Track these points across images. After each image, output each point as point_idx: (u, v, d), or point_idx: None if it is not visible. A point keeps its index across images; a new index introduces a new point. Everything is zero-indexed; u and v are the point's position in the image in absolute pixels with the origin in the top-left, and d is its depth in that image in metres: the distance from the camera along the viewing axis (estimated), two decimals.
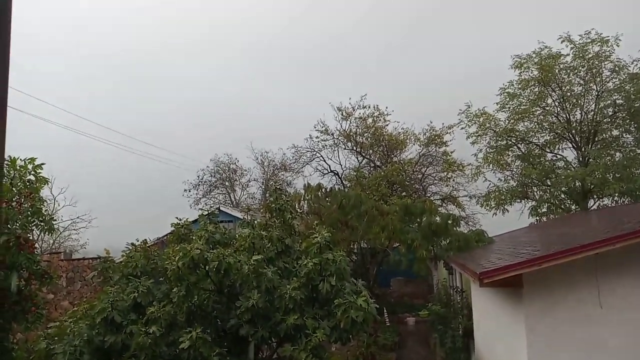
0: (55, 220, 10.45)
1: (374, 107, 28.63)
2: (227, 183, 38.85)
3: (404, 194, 26.86)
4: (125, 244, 9.32)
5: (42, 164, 8.62)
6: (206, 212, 10.21)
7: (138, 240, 9.54)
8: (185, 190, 37.03)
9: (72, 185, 29.08)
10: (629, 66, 22.64)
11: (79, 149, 43.23)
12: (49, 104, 20.05)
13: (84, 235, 30.34)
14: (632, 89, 21.71)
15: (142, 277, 8.44)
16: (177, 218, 9.74)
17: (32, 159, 8.54)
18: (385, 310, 19.85)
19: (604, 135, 23.72)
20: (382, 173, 26.91)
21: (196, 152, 57.01)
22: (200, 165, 40.17)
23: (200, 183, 37.46)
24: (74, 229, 29.84)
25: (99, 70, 61.12)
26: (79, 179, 41.13)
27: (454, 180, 28.62)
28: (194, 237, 8.65)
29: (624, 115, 22.77)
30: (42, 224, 8.45)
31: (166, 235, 12.48)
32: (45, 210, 8.67)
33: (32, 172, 8.51)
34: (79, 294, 16.77)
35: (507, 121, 24.74)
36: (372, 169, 29.79)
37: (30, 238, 8.62)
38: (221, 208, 24.15)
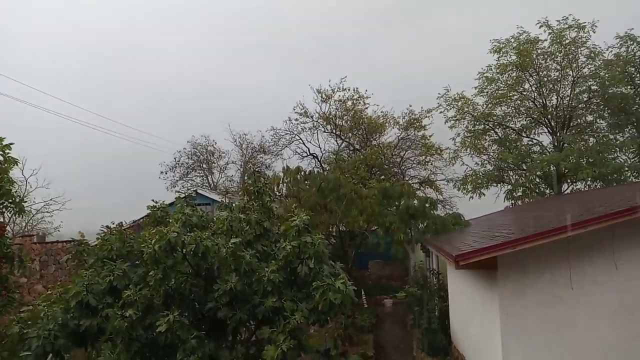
0: (27, 202, 10.19)
1: (354, 90, 28.52)
2: (204, 165, 38.41)
3: (382, 177, 26.99)
4: (100, 227, 9.15)
5: (11, 143, 8.36)
6: (183, 195, 10.09)
7: (113, 223, 9.39)
8: (161, 172, 36.53)
9: (44, 167, 28.38)
10: (604, 52, 23.03)
11: (51, 130, 42.19)
12: (20, 82, 19.35)
13: (58, 218, 29.72)
14: (606, 75, 22.08)
15: (118, 260, 8.33)
16: (153, 201, 9.60)
17: (0, 139, 8.26)
18: (363, 293, 20.08)
19: (578, 120, 24.15)
20: (361, 156, 26.94)
21: (173, 133, 56.22)
22: (177, 147, 39.59)
23: (177, 165, 36.97)
24: (47, 212, 29.20)
25: (70, 49, 59.30)
26: (52, 161, 40.17)
27: (432, 164, 28.85)
28: (170, 220, 8.53)
29: (598, 101, 23.19)
30: (11, 205, 8.23)
31: (142, 218, 12.30)
32: (16, 192, 8.43)
33: (0, 153, 8.24)
34: (53, 278, 16.49)
35: (485, 105, 24.98)
36: (351, 152, 29.78)
37: (0, 220, 8.40)
38: (198, 191, 23.94)
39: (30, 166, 27.58)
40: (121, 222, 9.84)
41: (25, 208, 8.68)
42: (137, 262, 8.48)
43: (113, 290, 7.84)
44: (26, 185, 28.02)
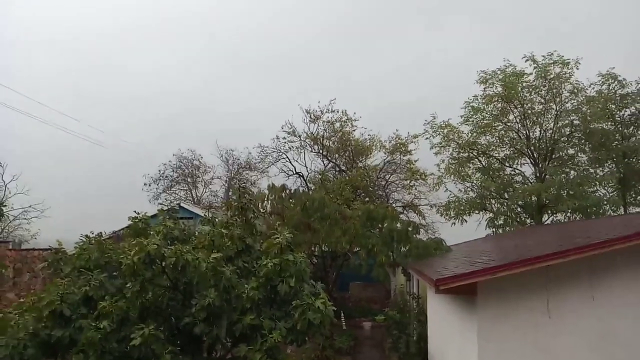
0: (5, 206, 10.01)
1: (342, 112, 28.84)
2: (189, 179, 38.19)
3: (367, 199, 27.12)
4: (79, 236, 9.00)
5: None
6: (166, 208, 10.02)
7: (93, 233, 9.24)
8: (145, 184, 36.21)
9: (25, 173, 27.89)
10: (587, 89, 23.69)
11: (34, 138, 41.65)
12: (4, 85, 19.15)
13: (36, 225, 29.13)
14: (588, 111, 22.67)
15: (95, 270, 8.17)
16: (135, 212, 9.49)
17: None
18: (342, 314, 19.94)
19: (560, 153, 24.65)
20: (347, 178, 27.09)
21: (159, 146, 55.83)
22: (162, 159, 39.31)
23: (161, 177, 36.70)
24: (25, 219, 28.61)
25: (59, 59, 58.98)
26: (33, 168, 39.51)
27: (416, 189, 29.12)
28: (151, 232, 8.44)
29: (580, 135, 23.75)
30: None
31: (123, 229, 12.12)
32: None
33: None
34: (27, 286, 16.07)
35: (470, 134, 25.38)
36: (337, 173, 29.93)
37: None
38: (182, 204, 23.72)
39: (11, 172, 27.17)
40: (101, 232, 9.69)
41: (4, 213, 8.49)
42: (114, 273, 8.34)
43: (88, 300, 7.68)
44: (5, 191, 27.52)
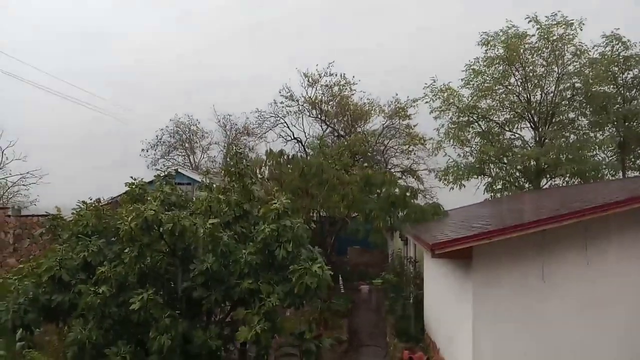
0: (1, 169, 9.96)
1: (341, 76, 28.38)
2: (186, 145, 37.99)
3: (365, 164, 27.05)
4: (76, 202, 9.00)
5: None
6: (163, 173, 9.97)
7: (91, 199, 9.23)
8: (142, 150, 35.99)
9: (22, 139, 27.76)
10: (590, 51, 23.24)
11: (32, 103, 41.19)
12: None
13: (34, 191, 29.17)
14: (590, 73, 22.31)
15: (93, 236, 8.22)
16: (131, 178, 9.44)
17: None
18: (340, 278, 20.23)
19: (561, 117, 24.43)
20: (345, 143, 26.92)
21: (156, 111, 55.33)
22: (160, 125, 39.02)
23: (158, 143, 36.42)
24: (24, 185, 28.64)
25: (53, 23, 57.61)
26: (31, 134, 39.27)
27: (415, 154, 29.00)
28: (148, 198, 8.43)
29: (581, 98, 23.46)
30: None
31: (120, 195, 12.12)
32: None
33: None
34: (27, 252, 16.21)
35: (470, 98, 25.08)
36: (335, 138, 29.73)
37: None
38: (179, 170, 23.66)
39: (8, 137, 27.00)
40: (99, 199, 9.69)
41: (1, 180, 8.45)
42: (112, 239, 8.38)
43: (87, 266, 7.76)
44: (2, 157, 27.45)
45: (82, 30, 58.18)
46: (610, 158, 23.97)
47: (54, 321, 8.03)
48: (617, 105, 23.19)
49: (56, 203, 10.27)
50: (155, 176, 9.98)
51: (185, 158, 38.20)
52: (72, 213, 8.75)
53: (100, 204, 9.38)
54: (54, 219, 8.92)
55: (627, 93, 23.56)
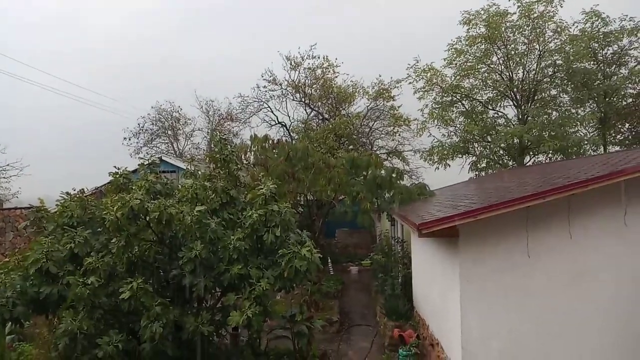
0: None
1: (324, 58, 28.18)
2: (169, 132, 37.58)
3: (351, 147, 27.07)
4: (60, 193, 8.88)
5: None
6: (147, 162, 9.88)
7: (74, 190, 9.12)
8: (125, 138, 35.52)
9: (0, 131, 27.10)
10: (570, 27, 23.40)
11: (9, 94, 40.19)
12: None
13: (16, 184, 28.64)
14: (571, 50, 22.50)
15: (79, 227, 8.15)
16: (115, 167, 9.35)
17: None
18: (329, 260, 20.40)
19: (543, 94, 24.68)
20: (330, 126, 26.86)
21: (137, 99, 54.46)
22: (141, 112, 38.49)
23: (140, 131, 35.99)
24: (4, 177, 28.11)
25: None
26: (9, 125, 38.46)
27: (399, 135, 29.04)
28: (133, 187, 8.36)
29: (563, 75, 23.69)
30: None
31: (104, 185, 11.99)
32: None
33: None
34: (11, 245, 16.02)
35: (453, 77, 25.15)
36: (320, 121, 29.63)
37: None
38: (163, 158, 23.46)
39: None
40: (82, 189, 9.57)
41: None
42: (99, 229, 8.32)
43: (74, 257, 7.70)
44: None
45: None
46: (591, 134, 24.35)
47: (43, 313, 7.99)
48: (598, 81, 23.48)
49: (39, 195, 10.14)
50: (139, 165, 9.88)
51: (168, 145, 37.88)
52: (57, 204, 8.65)
53: (85, 195, 9.27)
54: (38, 210, 8.81)
55: (607, 69, 23.86)
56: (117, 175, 9.22)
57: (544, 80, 24.19)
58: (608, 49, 23.58)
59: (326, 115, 29.59)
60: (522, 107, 24.26)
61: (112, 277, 7.61)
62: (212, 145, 12.10)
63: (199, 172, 9.92)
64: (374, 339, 12.20)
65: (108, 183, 9.90)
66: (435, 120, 25.36)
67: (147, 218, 7.34)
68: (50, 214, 8.70)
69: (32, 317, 8.26)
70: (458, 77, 25.02)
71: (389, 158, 28.68)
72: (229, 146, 10.06)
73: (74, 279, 7.18)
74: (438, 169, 25.18)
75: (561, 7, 22.82)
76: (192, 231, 7.61)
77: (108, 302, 7.57)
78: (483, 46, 24.37)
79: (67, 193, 8.85)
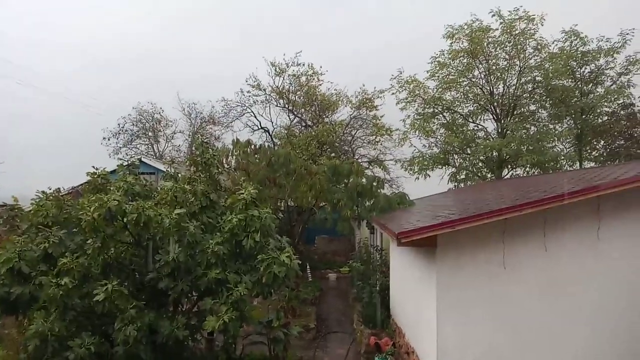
0: None
1: (309, 66, 28.29)
2: (150, 133, 37.15)
3: (333, 154, 27.18)
4: (35, 192, 8.70)
5: None
6: (126, 163, 9.76)
7: (50, 189, 8.94)
8: (104, 138, 34.97)
9: None
10: (550, 45, 24.00)
11: None
12: None
13: None
14: (550, 67, 23.06)
15: (54, 227, 7.98)
16: (93, 167, 9.21)
17: None
18: (308, 266, 20.35)
19: (522, 109, 25.22)
20: (313, 133, 26.94)
21: (116, 98, 53.64)
22: (122, 113, 37.99)
23: (120, 132, 35.48)
24: None
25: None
26: None
27: (381, 144, 29.30)
28: (111, 188, 8.24)
29: (541, 91, 24.27)
30: None
31: (82, 184, 11.79)
32: None
33: None
34: None
35: (435, 89, 25.52)
36: (303, 128, 29.68)
37: None
38: (143, 159, 23.16)
39: None
40: (59, 188, 9.39)
41: None
42: (74, 229, 8.16)
43: (48, 257, 7.55)
44: None
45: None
46: (568, 149, 24.95)
47: (13, 314, 7.79)
48: (575, 99, 24.10)
49: (12, 193, 9.91)
50: (118, 165, 9.75)
51: (148, 147, 37.43)
52: (32, 203, 8.47)
53: (61, 194, 9.10)
54: (12, 209, 8.62)
55: (584, 87, 24.51)
56: (95, 176, 9.08)
57: (524, 95, 24.72)
58: (586, 68, 24.25)
59: (309, 122, 29.66)
60: (502, 121, 24.72)
61: (86, 279, 7.47)
62: (194, 148, 12.02)
63: (179, 175, 9.83)
64: (350, 346, 12.20)
65: (85, 183, 9.74)
66: (417, 131, 25.68)
67: (125, 219, 7.24)
68: (24, 213, 8.52)
69: (1, 318, 8.05)
70: (440, 90, 25.40)
71: (370, 167, 28.87)
72: (210, 150, 10.00)
73: (47, 279, 7.03)
74: (418, 179, 25.46)
75: (542, 25, 23.42)
76: (171, 234, 7.52)
77: (81, 303, 7.42)
78: (465, 60, 24.82)
79: (43, 192, 8.67)
